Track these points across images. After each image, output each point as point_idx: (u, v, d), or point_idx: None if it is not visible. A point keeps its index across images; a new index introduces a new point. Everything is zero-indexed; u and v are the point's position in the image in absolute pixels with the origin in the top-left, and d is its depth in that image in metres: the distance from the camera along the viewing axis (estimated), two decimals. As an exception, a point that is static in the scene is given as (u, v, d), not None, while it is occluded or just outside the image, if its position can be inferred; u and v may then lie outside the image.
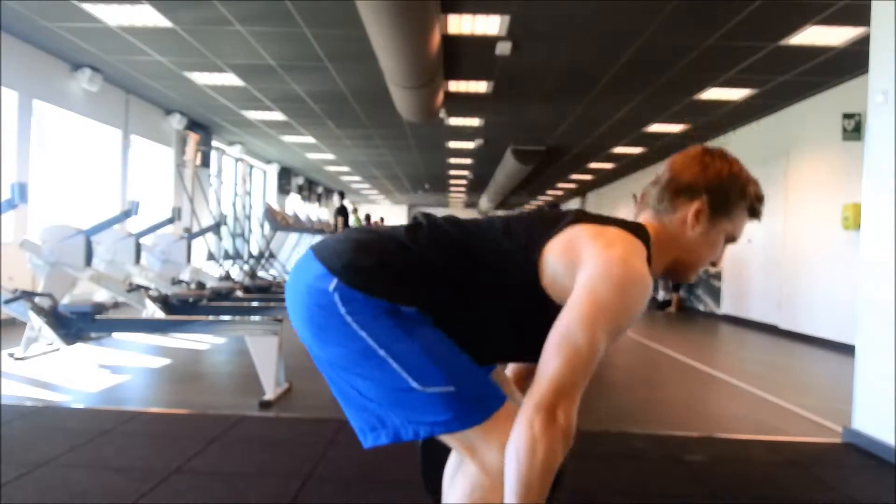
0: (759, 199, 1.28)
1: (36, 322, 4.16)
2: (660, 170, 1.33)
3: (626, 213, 14.65)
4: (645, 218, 1.29)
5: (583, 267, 1.10)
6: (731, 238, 1.29)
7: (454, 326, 1.18)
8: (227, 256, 9.09)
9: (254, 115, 9.45)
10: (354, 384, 1.15)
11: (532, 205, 22.91)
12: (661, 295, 10.41)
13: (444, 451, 1.34)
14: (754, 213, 1.28)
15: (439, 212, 3.26)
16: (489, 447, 1.07)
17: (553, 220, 1.21)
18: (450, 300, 1.18)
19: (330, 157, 13.52)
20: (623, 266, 1.08)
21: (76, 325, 4.14)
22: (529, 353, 1.12)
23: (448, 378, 1.10)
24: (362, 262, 1.16)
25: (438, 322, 1.17)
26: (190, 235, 6.98)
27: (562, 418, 1.00)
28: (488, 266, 1.18)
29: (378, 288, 1.13)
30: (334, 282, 1.14)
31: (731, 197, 1.24)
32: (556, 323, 1.07)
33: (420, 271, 1.16)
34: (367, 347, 1.11)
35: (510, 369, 1.60)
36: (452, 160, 13.99)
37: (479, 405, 1.10)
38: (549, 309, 1.12)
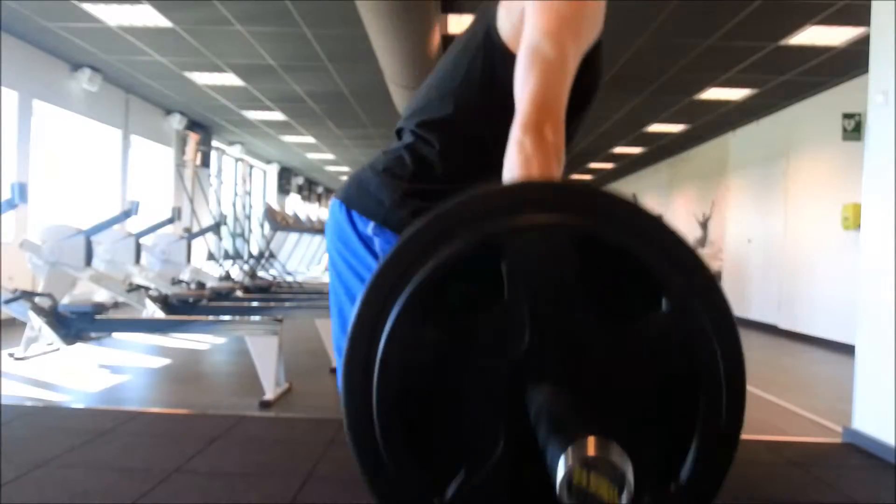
0: None
1: (36, 322, 4.16)
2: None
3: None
4: None
5: None
6: None
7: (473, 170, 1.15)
8: (227, 256, 9.09)
9: (254, 115, 9.45)
10: None
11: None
12: None
13: None
14: None
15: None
16: None
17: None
18: (458, 147, 1.16)
19: (330, 157, 13.52)
20: None
21: (76, 325, 4.14)
22: None
23: None
24: (394, 198, 1.15)
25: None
26: (190, 235, 6.98)
27: (550, 135, 0.95)
28: (470, 89, 1.16)
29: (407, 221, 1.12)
30: (371, 226, 1.15)
31: None
32: (520, 48, 1.03)
33: (440, 169, 1.15)
34: None
35: None
36: (452, 160, 13.98)
37: None
38: None
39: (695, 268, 0.73)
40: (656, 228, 0.73)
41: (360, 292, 0.77)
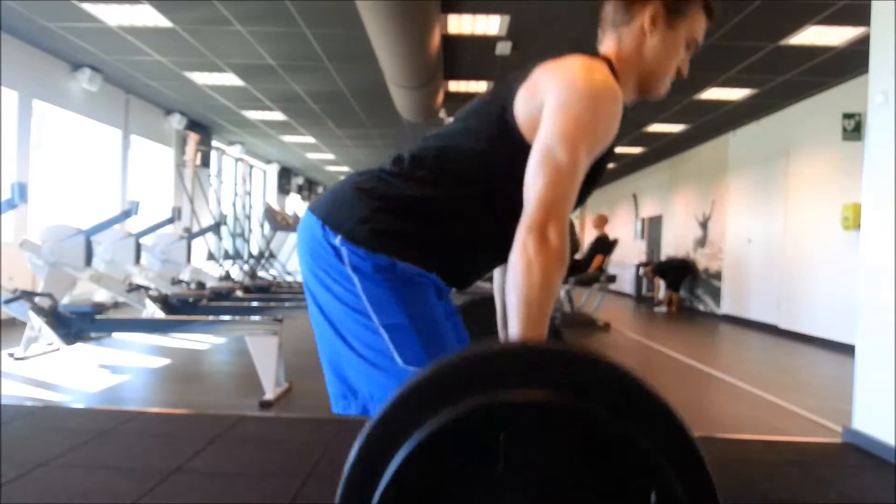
0: None
1: (36, 322, 4.16)
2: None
3: (626, 213, 14.64)
4: (605, 45, 1.28)
5: (547, 93, 1.10)
6: (692, 41, 1.30)
7: (462, 239, 1.21)
8: (227, 256, 9.09)
9: (254, 115, 9.45)
10: (339, 341, 1.18)
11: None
12: (660, 309, 10.45)
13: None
14: (709, 11, 1.28)
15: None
16: None
17: (516, 76, 1.22)
18: (450, 213, 1.19)
19: (330, 157, 13.52)
20: (586, 77, 1.08)
21: (76, 325, 4.14)
22: None
23: (430, 362, 1.12)
24: (362, 213, 1.18)
25: (446, 248, 1.19)
26: (190, 235, 6.98)
27: (553, 237, 1.00)
28: (474, 154, 1.19)
29: (379, 242, 1.15)
30: (339, 238, 1.17)
31: None
32: (533, 146, 1.06)
33: (415, 201, 1.19)
34: (363, 309, 1.14)
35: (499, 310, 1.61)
36: (452, 160, 13.98)
37: None
38: None
39: (693, 467, 0.74)
40: (662, 416, 0.74)
41: (350, 454, 0.78)
